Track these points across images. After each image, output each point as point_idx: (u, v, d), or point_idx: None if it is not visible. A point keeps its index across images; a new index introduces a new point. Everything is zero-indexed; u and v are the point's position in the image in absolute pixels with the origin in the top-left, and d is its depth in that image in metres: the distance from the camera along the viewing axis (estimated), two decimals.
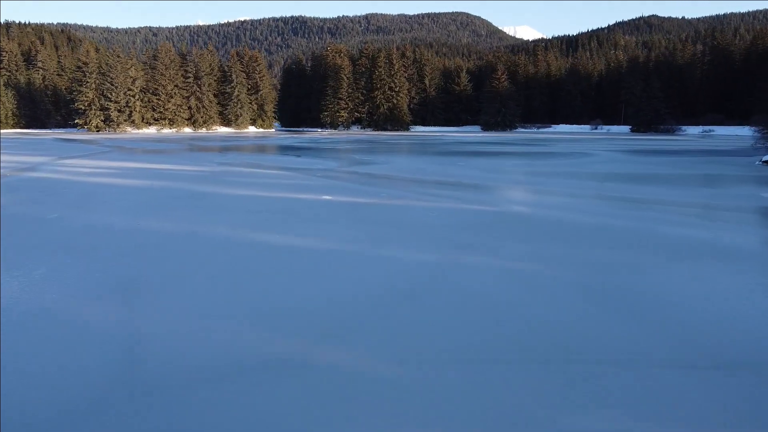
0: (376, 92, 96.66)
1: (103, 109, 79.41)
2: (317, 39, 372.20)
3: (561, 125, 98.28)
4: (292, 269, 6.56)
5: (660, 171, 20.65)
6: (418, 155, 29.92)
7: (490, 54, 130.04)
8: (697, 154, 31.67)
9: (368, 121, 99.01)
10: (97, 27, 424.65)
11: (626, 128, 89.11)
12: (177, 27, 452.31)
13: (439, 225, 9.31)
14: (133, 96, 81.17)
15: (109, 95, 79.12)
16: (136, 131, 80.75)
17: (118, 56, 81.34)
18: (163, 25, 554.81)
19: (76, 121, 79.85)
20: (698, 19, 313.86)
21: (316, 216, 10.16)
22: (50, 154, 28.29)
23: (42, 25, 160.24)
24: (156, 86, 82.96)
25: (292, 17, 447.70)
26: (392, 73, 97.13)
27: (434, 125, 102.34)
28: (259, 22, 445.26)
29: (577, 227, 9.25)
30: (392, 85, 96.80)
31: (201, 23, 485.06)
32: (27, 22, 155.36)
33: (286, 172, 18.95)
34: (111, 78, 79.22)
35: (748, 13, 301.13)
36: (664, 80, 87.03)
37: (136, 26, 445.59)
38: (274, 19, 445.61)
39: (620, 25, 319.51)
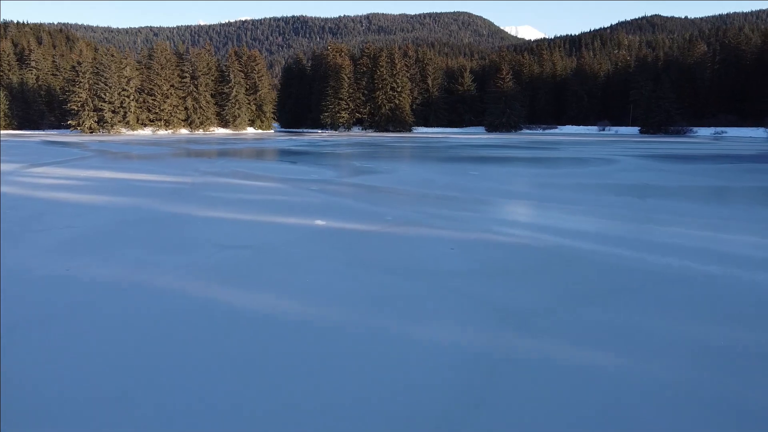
0: (378, 92, 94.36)
1: (96, 109, 77.19)
2: (318, 39, 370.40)
3: (567, 126, 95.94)
4: (247, 371, 4.19)
5: (706, 183, 18.28)
6: (423, 161, 27.54)
7: (494, 53, 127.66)
8: (727, 160, 29.24)
9: (370, 122, 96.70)
10: (98, 27, 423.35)
11: (635, 129, 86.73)
12: (178, 27, 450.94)
13: (467, 270, 6.94)
14: (128, 96, 78.92)
15: (103, 95, 76.88)
16: (131, 133, 78.52)
17: (113, 55, 79.10)
18: (164, 24, 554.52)
19: (68, 122, 77.65)
20: (701, 19, 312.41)
21: (302, 256, 7.78)
22: (23, 161, 25.95)
23: (40, 24, 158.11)
24: (151, 86, 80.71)
25: (293, 17, 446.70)
26: (394, 72, 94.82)
27: (437, 126, 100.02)
28: (260, 21, 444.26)
29: (659, 276, 6.84)
30: (394, 85, 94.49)
31: (202, 23, 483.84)
32: (25, 22, 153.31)
33: (276, 185, 16.60)
34: (105, 78, 76.96)
35: (752, 13, 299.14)
36: (674, 80, 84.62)
37: (137, 26, 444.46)
38: (275, 19, 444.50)
39: (623, 25, 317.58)
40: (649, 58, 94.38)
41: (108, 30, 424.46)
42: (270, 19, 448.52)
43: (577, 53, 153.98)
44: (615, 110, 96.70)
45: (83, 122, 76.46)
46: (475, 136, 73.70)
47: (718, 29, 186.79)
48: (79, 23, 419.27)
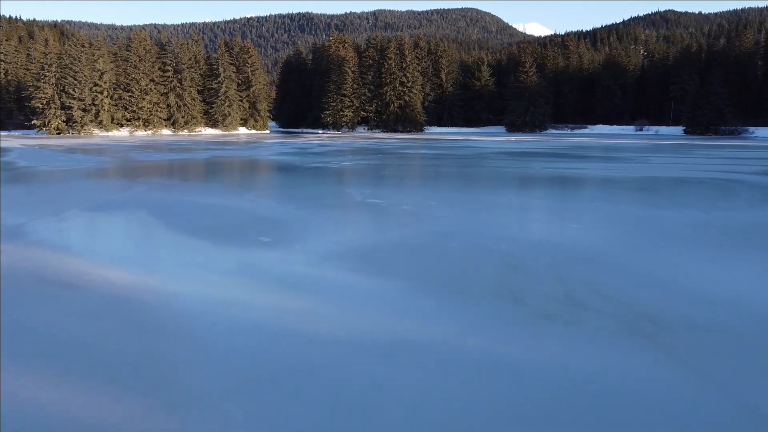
0: (386, 88, 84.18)
1: (64, 107, 67.42)
2: (324, 36, 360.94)
3: (598, 126, 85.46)
4: None
5: None
6: (463, 186, 17.53)
7: (512, 47, 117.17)
8: None
9: (376, 121, 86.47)
10: (101, 24, 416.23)
11: (677, 130, 76.33)
12: (183, 24, 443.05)
13: None
14: (101, 93, 69.09)
15: (72, 92, 67.08)
16: (104, 134, 68.81)
17: (83, 46, 69.23)
18: (169, 22, 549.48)
19: (33, 121, 67.94)
20: (716, 14, 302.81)
21: None
22: None
23: (34, 20, 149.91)
24: (128, 81, 70.85)
25: (298, 14, 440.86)
26: (404, 66, 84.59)
27: (452, 126, 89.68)
28: (266, 19, 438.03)
29: None
30: (404, 79, 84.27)
31: (207, 20, 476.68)
32: (18, 17, 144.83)
33: (173, 279, 6.75)
34: (74, 71, 67.16)
35: (767, 8, 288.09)
36: (722, 73, 73.97)
37: (141, 23, 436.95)
38: (281, 16, 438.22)
39: (635, 21, 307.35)
40: (693, 48, 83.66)
41: (112, 27, 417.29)
42: (275, 16, 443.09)
43: (592, 49, 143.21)
44: (652, 107, 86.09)
45: (49, 122, 66.73)
46: (499, 138, 63.47)
47: (738, 24, 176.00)
48: (83, 21, 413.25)
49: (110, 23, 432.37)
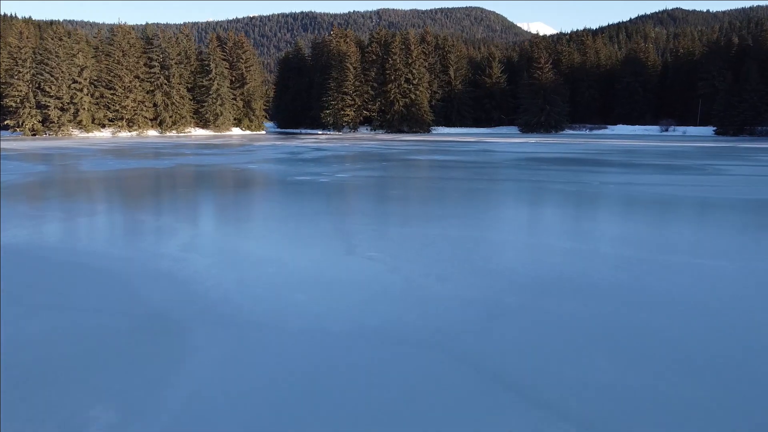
0: (390, 85, 78.35)
1: (40, 106, 61.85)
2: (327, 35, 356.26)
3: (618, 126, 79.43)
4: None
5: None
6: (501, 213, 11.79)
7: (525, 43, 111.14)
8: None
9: (380, 121, 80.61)
10: (104, 24, 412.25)
11: (707, 130, 70.34)
12: (185, 23, 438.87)
13: None
14: (80, 90, 63.43)
15: (48, 89, 61.48)
16: (85, 135, 63.23)
17: (61, 39, 63.54)
18: (171, 21, 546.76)
19: (6, 122, 62.35)
20: (724, 12, 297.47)
21: None
22: None
23: (29, 18, 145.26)
24: (110, 77, 65.14)
25: (301, 13, 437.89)
26: (409, 61, 78.71)
27: (460, 126, 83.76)
28: (268, 18, 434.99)
29: None
30: (409, 76, 78.42)
31: (210, 20, 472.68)
32: (13, 15, 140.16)
33: None
34: (50, 67, 61.54)
35: None
36: (757, 68, 67.85)
37: (143, 23, 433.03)
38: (284, 15, 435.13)
39: (642, 19, 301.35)
40: (722, 41, 77.55)
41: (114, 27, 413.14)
42: (278, 15, 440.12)
43: (609, 44, 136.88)
44: (675, 106, 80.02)
45: (23, 122, 61.16)
46: (515, 140, 57.59)
47: (749, 22, 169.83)
48: (85, 20, 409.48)
49: (112, 23, 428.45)
